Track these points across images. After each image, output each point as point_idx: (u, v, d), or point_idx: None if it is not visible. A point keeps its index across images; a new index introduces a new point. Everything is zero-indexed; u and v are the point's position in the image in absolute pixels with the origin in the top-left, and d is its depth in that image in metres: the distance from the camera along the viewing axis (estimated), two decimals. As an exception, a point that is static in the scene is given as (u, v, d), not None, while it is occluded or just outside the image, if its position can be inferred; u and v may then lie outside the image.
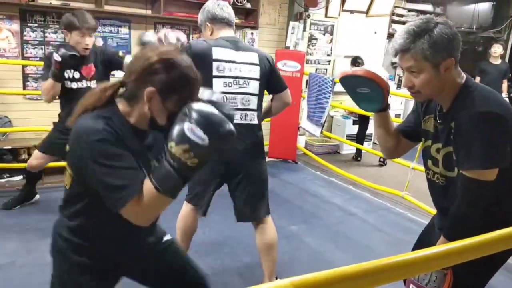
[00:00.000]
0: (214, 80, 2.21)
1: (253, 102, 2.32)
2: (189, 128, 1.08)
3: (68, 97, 2.97)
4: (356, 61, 5.36)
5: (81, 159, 1.18)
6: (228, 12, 2.37)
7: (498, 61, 6.01)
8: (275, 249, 2.45)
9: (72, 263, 1.36)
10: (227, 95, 2.24)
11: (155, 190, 1.13)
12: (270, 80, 2.37)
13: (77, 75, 2.99)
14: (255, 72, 2.31)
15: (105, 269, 1.39)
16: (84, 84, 3.04)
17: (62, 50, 2.78)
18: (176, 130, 1.10)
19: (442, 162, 1.54)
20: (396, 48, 1.45)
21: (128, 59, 3.04)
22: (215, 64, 2.21)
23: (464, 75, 1.50)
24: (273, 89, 2.43)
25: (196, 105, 1.12)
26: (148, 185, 1.15)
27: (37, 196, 3.55)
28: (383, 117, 1.70)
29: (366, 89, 1.58)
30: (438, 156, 1.55)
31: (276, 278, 2.51)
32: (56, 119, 3.28)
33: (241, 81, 2.28)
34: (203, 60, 2.15)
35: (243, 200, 2.36)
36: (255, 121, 2.33)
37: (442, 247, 0.76)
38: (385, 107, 1.66)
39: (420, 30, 1.40)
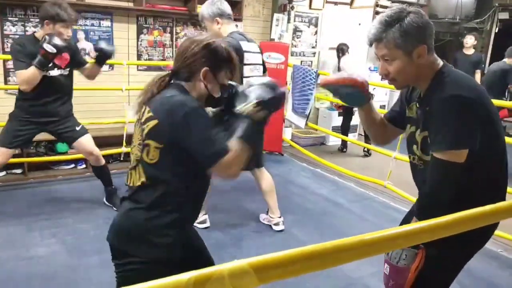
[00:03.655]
0: (245, 67, 2.85)
1: None
2: (253, 90, 1.45)
3: (37, 85, 2.91)
4: (341, 49, 5.43)
5: (181, 124, 1.37)
6: (229, 8, 2.90)
7: (471, 52, 6.11)
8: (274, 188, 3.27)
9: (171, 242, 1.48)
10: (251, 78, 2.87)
11: (241, 143, 1.40)
12: (262, 64, 3.07)
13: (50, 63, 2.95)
14: (260, 59, 3.03)
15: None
16: (56, 72, 3.03)
17: (56, 42, 2.77)
18: (242, 95, 1.46)
19: (420, 146, 1.57)
20: (370, 38, 1.49)
21: (89, 65, 3.27)
22: (245, 55, 2.83)
23: (440, 61, 1.53)
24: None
25: (252, 79, 1.52)
26: (234, 142, 1.40)
27: None
28: (367, 109, 1.74)
29: (349, 89, 1.63)
30: (418, 140, 1.58)
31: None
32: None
33: (257, 66, 2.97)
34: (239, 52, 2.70)
35: (259, 152, 3.17)
36: None
37: (405, 227, 0.78)
38: (368, 100, 1.70)
39: (391, 20, 1.44)
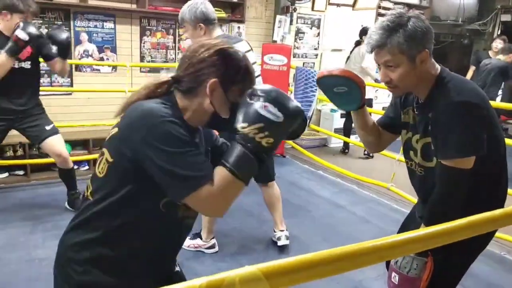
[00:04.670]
0: None
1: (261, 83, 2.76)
2: (261, 106, 1.06)
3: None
4: (365, 32, 5.25)
5: (142, 141, 1.07)
6: (214, 11, 2.63)
7: (497, 56, 6.09)
8: (281, 201, 3.05)
9: (92, 283, 1.17)
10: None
11: (230, 174, 1.06)
12: None
13: None
14: (253, 57, 2.75)
15: None
16: (16, 64, 2.91)
17: (27, 27, 2.67)
18: (246, 111, 1.08)
19: (420, 153, 1.56)
20: (372, 45, 1.46)
21: (59, 61, 3.03)
22: None
23: (438, 66, 1.52)
24: None
25: (261, 86, 1.11)
26: (220, 171, 1.07)
27: None
28: (361, 114, 1.71)
29: (343, 88, 1.60)
30: (417, 146, 1.57)
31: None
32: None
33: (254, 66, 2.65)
34: None
35: (270, 163, 2.98)
36: None
37: (412, 233, 0.77)
38: (363, 104, 1.68)
39: (394, 25, 1.42)
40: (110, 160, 1.14)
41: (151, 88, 1.19)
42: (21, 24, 2.69)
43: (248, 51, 2.72)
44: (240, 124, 1.08)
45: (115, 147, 1.14)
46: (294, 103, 1.09)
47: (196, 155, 1.08)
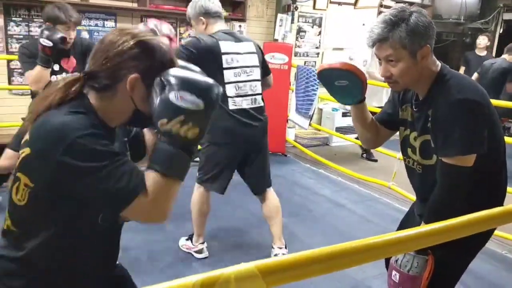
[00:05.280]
0: (225, 72, 2.46)
1: (259, 87, 2.61)
2: (176, 96, 0.97)
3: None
4: None
5: (60, 164, 0.96)
6: (218, 5, 2.59)
7: (483, 53, 6.07)
8: (281, 213, 2.81)
9: None
10: (238, 83, 2.51)
11: (163, 177, 0.99)
12: (262, 65, 2.67)
13: (56, 67, 2.87)
14: (255, 60, 2.60)
15: None
16: (63, 76, 2.92)
17: (48, 33, 2.65)
18: (161, 104, 0.98)
19: (419, 150, 1.55)
20: (374, 38, 1.44)
21: None
22: (224, 57, 2.45)
23: (439, 63, 1.51)
24: (263, 73, 2.68)
25: (172, 71, 1.02)
26: (151, 176, 1.00)
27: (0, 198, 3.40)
28: (360, 109, 1.70)
29: (344, 82, 1.59)
30: (416, 144, 1.56)
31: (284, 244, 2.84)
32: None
33: (248, 69, 2.55)
34: (214, 54, 2.42)
35: (259, 173, 2.73)
36: (262, 104, 2.64)
37: (409, 230, 0.77)
38: (363, 99, 1.67)
39: (396, 19, 1.41)
40: (31, 185, 1.02)
41: (62, 89, 1.06)
42: (44, 32, 2.67)
43: (251, 53, 2.57)
44: (159, 121, 0.99)
45: (34, 170, 1.02)
46: (206, 80, 1.00)
47: (123, 164, 0.99)
